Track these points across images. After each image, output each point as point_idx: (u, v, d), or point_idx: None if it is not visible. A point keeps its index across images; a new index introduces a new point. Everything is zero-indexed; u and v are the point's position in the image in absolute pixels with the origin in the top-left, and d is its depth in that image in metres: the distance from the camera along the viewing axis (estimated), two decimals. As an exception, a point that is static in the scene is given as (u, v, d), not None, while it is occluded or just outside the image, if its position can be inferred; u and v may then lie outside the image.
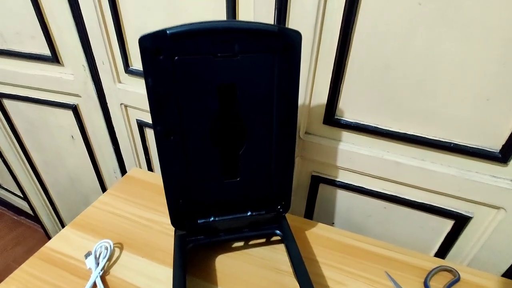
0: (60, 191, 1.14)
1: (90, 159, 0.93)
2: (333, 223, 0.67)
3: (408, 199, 0.57)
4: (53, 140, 0.95)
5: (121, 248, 0.53)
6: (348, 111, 0.53)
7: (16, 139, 1.01)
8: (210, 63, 0.36)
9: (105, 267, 0.50)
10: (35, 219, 1.35)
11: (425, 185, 0.53)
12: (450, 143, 0.48)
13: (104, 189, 1.01)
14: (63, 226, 1.26)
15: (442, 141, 0.49)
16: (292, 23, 0.48)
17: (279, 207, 0.49)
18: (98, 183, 1.00)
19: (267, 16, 0.48)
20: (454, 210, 0.54)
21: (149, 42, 0.33)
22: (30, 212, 1.33)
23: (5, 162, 1.12)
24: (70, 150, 0.95)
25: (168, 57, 0.34)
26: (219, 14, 0.52)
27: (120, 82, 0.72)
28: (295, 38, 0.37)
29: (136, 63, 0.67)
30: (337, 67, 0.49)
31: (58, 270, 0.49)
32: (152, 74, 0.35)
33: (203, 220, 0.47)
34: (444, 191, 0.53)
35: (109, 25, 0.64)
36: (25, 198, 1.24)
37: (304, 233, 0.56)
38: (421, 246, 0.61)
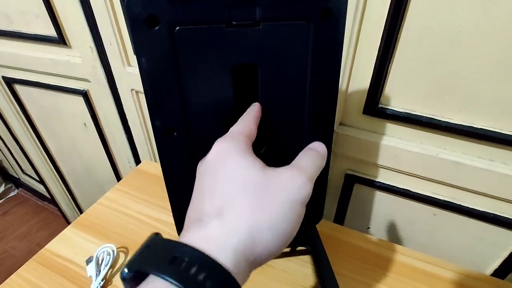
0: (76, 179, 1.11)
1: (104, 148, 0.89)
2: (369, 228, 0.58)
3: (466, 207, 0.46)
4: (66, 128, 0.91)
5: (126, 253, 0.47)
6: (396, 98, 0.43)
7: (31, 127, 0.98)
8: (223, 35, 0.27)
9: (107, 276, 0.44)
10: (57, 205, 1.35)
11: (492, 191, 0.43)
12: (533, 140, 0.38)
13: (119, 178, 0.97)
14: (81, 213, 1.25)
15: (522, 138, 0.38)
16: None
17: (309, 216, 0.40)
18: (112, 173, 0.95)
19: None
20: (527, 223, 0.43)
21: (139, 6, 0.24)
22: (51, 198, 1.33)
23: (23, 150, 1.10)
24: (84, 139, 0.91)
25: (167, 27, 0.25)
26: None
27: (130, 65, 0.65)
28: (337, 0, 0.27)
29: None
30: (386, 41, 0.38)
31: (57, 277, 0.44)
32: (147, 52, 0.26)
33: None
34: (517, 200, 0.42)
35: (115, 1, 0.56)
36: (44, 185, 1.23)
37: (334, 242, 0.48)
38: (476, 262, 0.51)
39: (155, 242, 0.19)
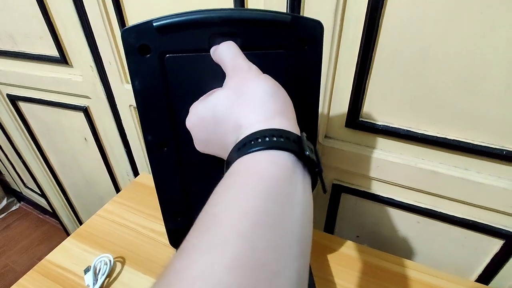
0: (77, 192, 1.14)
1: (104, 162, 0.91)
2: (358, 236, 0.60)
3: (446, 214, 0.49)
4: (67, 142, 0.94)
5: (123, 263, 0.49)
6: (375, 112, 0.45)
7: (33, 141, 1.01)
8: (208, 62, 0.29)
9: (104, 285, 0.46)
10: (58, 219, 1.37)
11: (468, 199, 0.45)
12: (502, 150, 0.40)
13: (118, 190, 0.99)
14: (82, 226, 1.26)
15: (492, 148, 0.40)
16: (308, 10, 0.41)
17: None
18: (112, 185, 0.98)
19: (279, 3, 0.42)
20: (505, 229, 0.45)
21: (133, 37, 0.28)
22: (52, 211, 1.35)
23: (25, 164, 1.13)
24: (84, 152, 0.93)
25: (157, 55, 0.29)
26: (226, 2, 0.47)
27: (128, 83, 0.68)
28: (314, 29, 0.30)
29: (143, 62, 0.63)
30: (362, 59, 0.41)
31: (55, 286, 0.46)
32: (139, 75, 0.29)
33: None
34: (493, 207, 0.44)
35: (113, 24, 0.60)
36: (46, 199, 1.26)
37: (323, 250, 0.50)
38: (461, 267, 0.53)
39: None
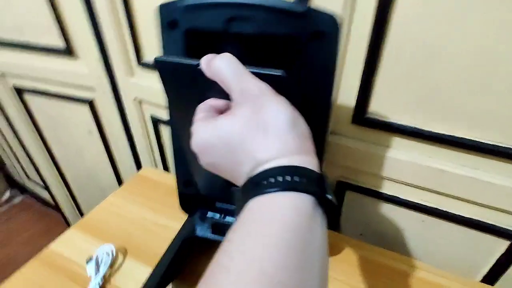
0: (80, 185, 1.14)
1: (107, 155, 0.91)
2: (361, 234, 0.60)
3: (452, 213, 0.48)
4: (71, 135, 0.94)
5: (125, 254, 0.49)
6: (382, 108, 0.45)
7: (38, 134, 1.01)
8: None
9: (106, 275, 0.46)
10: (60, 212, 1.37)
11: (476, 198, 0.45)
12: (511, 149, 0.39)
13: (121, 184, 0.99)
14: (84, 220, 1.26)
15: (501, 147, 0.40)
16: (317, 3, 0.40)
17: None
18: (115, 179, 0.98)
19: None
20: (512, 229, 0.45)
21: (166, 12, 0.31)
22: (55, 204, 1.36)
23: (29, 156, 1.13)
24: (88, 146, 0.94)
25: (182, 30, 0.31)
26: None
27: (133, 75, 0.68)
28: (329, 23, 0.29)
29: (149, 55, 0.63)
30: (370, 56, 0.41)
31: (57, 276, 0.46)
32: (166, 48, 0.32)
33: (212, 214, 0.43)
34: (500, 206, 0.44)
35: (120, 15, 0.60)
36: (48, 191, 1.26)
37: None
38: (465, 267, 0.52)
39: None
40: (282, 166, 0.20)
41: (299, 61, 0.30)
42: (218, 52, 0.31)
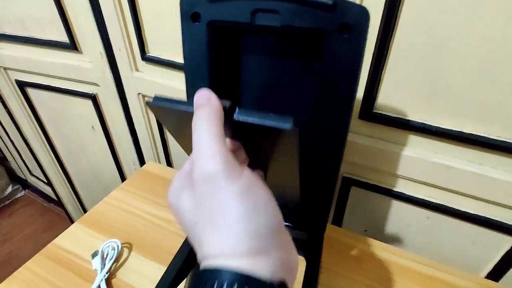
0: (83, 181, 1.14)
1: (110, 150, 0.91)
2: (366, 231, 0.60)
3: (458, 210, 0.48)
4: (74, 130, 0.94)
5: (130, 249, 0.49)
6: (389, 104, 0.45)
7: (40, 128, 1.01)
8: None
9: (112, 269, 0.46)
10: (63, 207, 1.38)
11: (482, 195, 0.44)
12: (520, 145, 0.39)
13: (123, 179, 0.99)
14: (86, 215, 1.27)
15: (508, 143, 0.40)
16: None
17: (312, 226, 0.41)
18: (118, 174, 0.98)
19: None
20: (518, 226, 0.45)
21: (188, 4, 0.30)
22: (57, 199, 1.36)
23: (32, 151, 1.13)
24: (91, 141, 0.94)
25: (205, 23, 0.31)
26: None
27: (137, 70, 0.68)
28: (358, 15, 0.27)
29: (153, 50, 0.63)
30: (379, 50, 0.41)
31: (63, 270, 0.46)
32: (188, 41, 0.32)
33: None
34: (507, 203, 0.43)
35: (125, 9, 0.60)
36: (51, 186, 1.26)
37: (332, 243, 0.49)
38: (469, 264, 0.52)
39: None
40: (225, 271, 0.17)
41: (325, 55, 0.29)
42: (243, 47, 0.32)
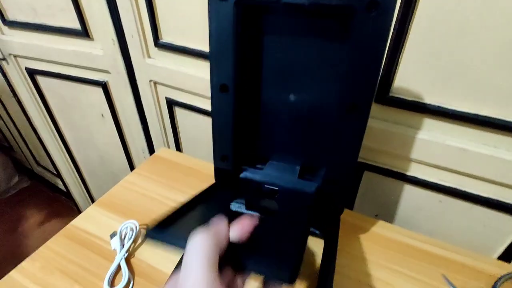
0: (91, 169, 1.15)
1: (120, 138, 0.92)
2: (377, 215, 0.60)
3: (471, 193, 0.48)
4: (84, 118, 0.95)
5: (147, 230, 0.50)
6: (406, 87, 0.45)
7: (49, 117, 1.02)
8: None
9: (130, 249, 0.47)
10: (69, 196, 1.39)
11: (496, 177, 0.45)
12: (536, 127, 0.40)
13: (132, 168, 1.00)
14: (94, 204, 1.28)
15: (525, 125, 0.40)
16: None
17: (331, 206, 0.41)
18: (127, 163, 0.99)
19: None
20: (530, 209, 0.45)
21: None
22: (64, 189, 1.37)
23: (40, 140, 1.14)
24: (100, 129, 0.94)
25: (233, 1, 0.31)
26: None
27: (149, 57, 0.68)
28: None
29: (166, 36, 0.63)
30: (398, 32, 0.41)
31: (83, 249, 0.47)
32: (215, 20, 0.32)
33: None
34: (520, 186, 0.44)
35: (139, -6, 0.60)
36: (58, 176, 1.27)
37: (345, 225, 0.50)
38: (481, 247, 0.53)
39: None
40: None
41: (352, 34, 0.29)
42: (268, 26, 0.33)
